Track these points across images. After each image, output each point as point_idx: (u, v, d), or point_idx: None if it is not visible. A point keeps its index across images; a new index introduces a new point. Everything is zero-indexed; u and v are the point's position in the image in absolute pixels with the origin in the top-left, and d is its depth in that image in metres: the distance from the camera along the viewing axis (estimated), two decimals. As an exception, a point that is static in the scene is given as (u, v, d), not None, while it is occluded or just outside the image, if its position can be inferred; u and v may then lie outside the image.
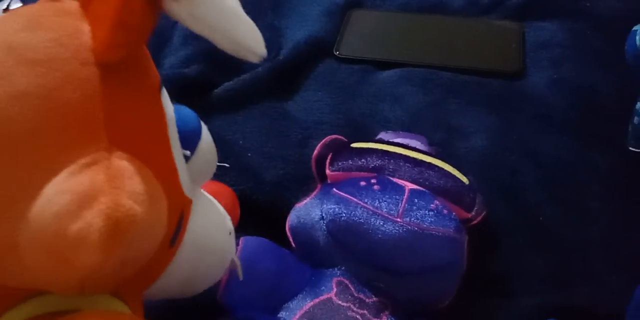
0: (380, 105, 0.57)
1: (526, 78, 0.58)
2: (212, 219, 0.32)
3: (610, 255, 0.44)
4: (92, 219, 0.20)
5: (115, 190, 0.21)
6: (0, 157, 0.21)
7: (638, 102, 0.50)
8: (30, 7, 0.24)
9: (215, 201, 0.34)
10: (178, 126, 0.28)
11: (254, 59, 0.28)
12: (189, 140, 0.29)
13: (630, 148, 0.51)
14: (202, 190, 0.33)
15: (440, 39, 0.64)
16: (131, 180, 0.22)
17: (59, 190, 0.21)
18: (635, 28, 0.55)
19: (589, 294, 0.41)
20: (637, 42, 0.54)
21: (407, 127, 0.54)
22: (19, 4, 0.70)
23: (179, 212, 0.28)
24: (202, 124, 0.30)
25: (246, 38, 0.27)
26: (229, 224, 0.34)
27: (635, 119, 0.50)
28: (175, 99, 0.55)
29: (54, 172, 0.21)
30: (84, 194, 0.20)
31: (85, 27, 0.23)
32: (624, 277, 0.42)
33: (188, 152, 0.29)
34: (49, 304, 0.24)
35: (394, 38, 0.64)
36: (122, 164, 0.22)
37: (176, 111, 0.28)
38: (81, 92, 0.22)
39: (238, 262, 0.34)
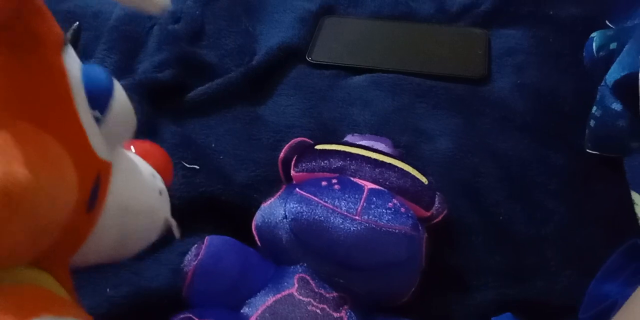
0: (350, 109, 0.58)
1: (491, 83, 0.61)
2: (137, 180, 0.31)
3: (564, 251, 0.46)
4: None
5: (6, 159, 0.20)
6: None
7: (594, 107, 0.52)
8: None
9: (142, 161, 0.33)
10: (86, 86, 0.26)
11: (156, 11, 0.26)
12: (99, 101, 0.27)
13: (588, 150, 0.53)
14: (124, 150, 0.32)
15: (410, 46, 0.66)
16: (25, 148, 0.21)
17: None
18: (592, 35, 0.57)
19: (543, 288, 0.43)
20: (594, 48, 0.56)
21: (376, 131, 0.55)
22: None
23: (94, 176, 0.27)
24: (115, 82, 0.28)
25: None
26: (158, 183, 0.33)
27: (592, 122, 0.52)
28: (148, 102, 0.57)
29: None
30: None
31: None
32: (576, 271, 0.44)
33: (98, 113, 0.27)
34: None
35: (365, 44, 0.66)
36: (15, 131, 0.21)
37: (85, 70, 0.27)
38: None
39: (173, 222, 0.34)
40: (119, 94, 0.28)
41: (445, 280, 0.44)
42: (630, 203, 0.46)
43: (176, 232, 0.34)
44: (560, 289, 0.43)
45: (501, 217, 0.48)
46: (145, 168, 0.33)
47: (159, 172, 0.34)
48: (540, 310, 0.42)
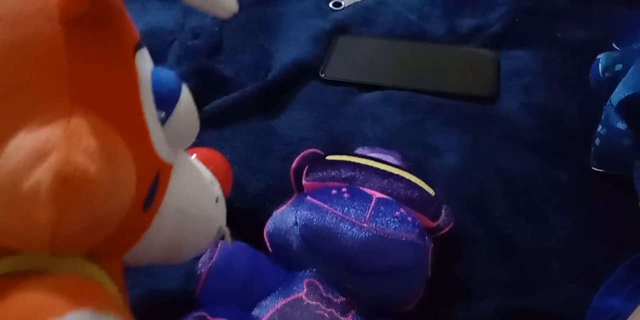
0: (360, 124, 0.60)
1: (499, 102, 0.62)
2: (197, 185, 0.31)
3: (568, 264, 0.46)
4: (42, 175, 0.20)
5: (69, 147, 0.20)
6: None
7: (599, 125, 0.53)
8: None
9: (203, 167, 0.33)
10: (155, 87, 0.27)
11: (225, 15, 0.27)
12: (166, 102, 0.27)
13: (593, 168, 0.54)
14: (187, 155, 0.32)
15: (421, 65, 0.68)
16: (89, 137, 0.21)
17: (17, 147, 0.21)
18: (598, 56, 0.59)
19: (547, 301, 0.44)
20: (600, 69, 0.58)
21: (385, 145, 0.57)
22: None
23: (153, 175, 0.27)
24: (184, 86, 0.29)
25: None
26: (216, 190, 0.33)
27: (597, 141, 0.53)
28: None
29: (17, 129, 0.21)
30: (38, 150, 0.20)
31: None
32: (580, 285, 0.45)
33: (163, 114, 0.27)
34: (20, 262, 0.24)
35: (377, 63, 0.68)
36: (82, 120, 0.22)
37: (155, 72, 0.27)
38: (44, 47, 0.22)
39: (227, 231, 0.34)
40: (185, 98, 0.29)
41: (451, 290, 0.45)
42: (636, 218, 0.46)
43: (229, 241, 0.34)
44: (564, 301, 0.44)
45: (506, 231, 0.49)
46: (205, 174, 0.33)
47: (218, 179, 0.34)
48: (542, 321, 0.43)
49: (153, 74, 0.27)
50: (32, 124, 0.21)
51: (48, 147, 0.20)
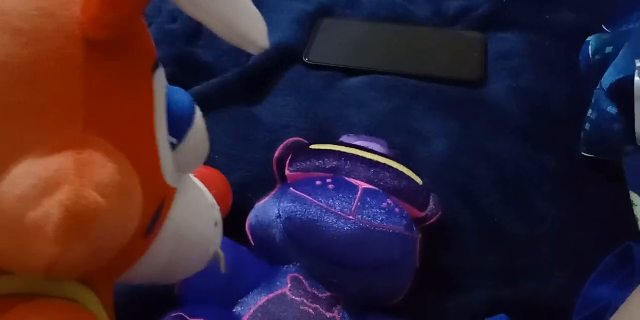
0: (345, 110, 0.58)
1: (486, 86, 0.61)
2: (197, 209, 0.30)
3: (558, 252, 0.46)
4: (51, 209, 0.19)
5: (81, 180, 0.19)
6: None
7: (590, 110, 0.52)
8: None
9: (204, 189, 0.32)
10: (169, 111, 0.25)
11: (255, 52, 0.26)
12: (179, 127, 0.26)
13: (583, 153, 0.53)
14: (190, 177, 0.31)
15: (407, 48, 0.66)
16: (102, 170, 0.20)
17: (25, 173, 0.19)
18: (588, 39, 0.57)
19: (537, 290, 0.43)
20: (590, 52, 0.56)
21: (371, 132, 0.55)
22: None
23: (159, 202, 0.26)
24: (197, 110, 0.27)
25: (248, 28, 0.24)
26: (216, 214, 0.32)
27: (587, 126, 0.52)
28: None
29: (25, 152, 0.20)
30: (48, 180, 0.19)
31: None
32: (569, 273, 0.44)
33: (175, 140, 0.26)
34: (13, 285, 0.23)
35: (362, 46, 0.66)
36: (95, 150, 0.20)
37: (170, 94, 0.26)
38: (62, 68, 0.20)
39: (222, 255, 0.33)
40: (198, 123, 0.27)
41: (439, 280, 0.44)
42: (626, 205, 0.46)
43: (223, 267, 0.33)
44: (553, 290, 0.43)
45: (495, 219, 0.48)
46: (207, 198, 0.32)
47: (218, 201, 0.33)
48: (533, 311, 0.42)
49: (168, 96, 0.25)
50: (41, 149, 0.20)
51: (58, 178, 0.19)
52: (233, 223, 0.45)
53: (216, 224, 0.32)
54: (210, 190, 0.33)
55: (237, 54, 0.65)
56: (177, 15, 0.68)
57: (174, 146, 0.26)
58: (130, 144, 0.23)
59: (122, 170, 0.21)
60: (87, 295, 0.25)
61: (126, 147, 0.22)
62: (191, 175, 0.32)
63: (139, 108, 0.24)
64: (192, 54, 0.63)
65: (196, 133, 0.27)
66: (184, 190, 0.29)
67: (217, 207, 0.33)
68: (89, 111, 0.21)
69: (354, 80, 0.62)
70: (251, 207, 0.44)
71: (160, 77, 0.25)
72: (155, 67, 0.25)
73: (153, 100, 0.24)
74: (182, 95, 0.27)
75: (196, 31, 0.67)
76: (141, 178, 0.23)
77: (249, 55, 0.65)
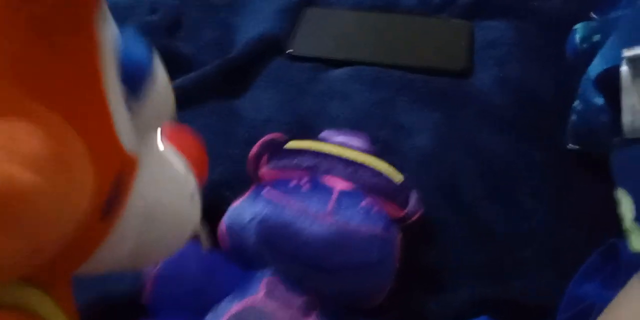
0: (329, 103, 0.57)
1: (473, 76, 0.59)
2: (168, 180, 0.26)
3: (542, 250, 0.45)
4: None
5: (6, 154, 0.15)
6: None
7: (576, 100, 0.51)
8: None
9: (176, 155, 0.28)
10: (123, 62, 0.21)
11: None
12: (135, 80, 0.22)
13: (569, 145, 0.52)
14: (156, 140, 0.26)
15: (392, 38, 0.65)
16: (33, 141, 0.16)
17: None
18: (575, 26, 0.56)
19: (521, 288, 0.42)
20: (577, 40, 0.55)
21: (354, 125, 0.54)
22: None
23: (114, 174, 0.22)
24: (156, 58, 0.23)
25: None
26: (191, 185, 0.28)
27: (573, 117, 0.51)
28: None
29: None
30: None
31: None
32: (555, 272, 0.43)
33: (130, 95, 0.22)
34: None
35: (346, 36, 0.65)
36: (22, 114, 0.17)
37: (123, 45, 0.21)
38: None
39: (203, 231, 0.29)
40: (158, 74, 0.23)
41: (422, 279, 0.43)
42: (612, 202, 0.45)
43: (205, 242, 0.30)
44: (539, 288, 0.42)
45: (480, 215, 0.47)
46: (178, 166, 0.27)
47: (192, 168, 0.28)
48: (517, 310, 0.42)
49: (120, 44, 0.21)
50: None
51: None
52: (209, 223, 0.44)
53: (192, 197, 0.27)
54: (182, 154, 0.28)
55: (219, 45, 0.64)
56: (156, 6, 0.67)
57: (130, 103, 0.22)
58: (71, 103, 0.19)
59: (61, 138, 0.17)
60: (34, 297, 0.21)
61: (66, 107, 0.18)
62: (158, 140, 0.27)
63: (79, 60, 0.20)
64: (172, 46, 0.62)
65: (157, 85, 0.23)
66: (147, 156, 0.24)
67: (192, 176, 0.28)
68: (14, 67, 0.17)
69: (338, 72, 0.60)
70: (227, 205, 0.43)
71: (109, 23, 0.21)
72: (99, 11, 0.20)
73: (98, 49, 0.20)
74: (137, 42, 0.22)
75: (176, 22, 0.66)
76: (89, 144, 0.19)
77: (230, 47, 0.63)
